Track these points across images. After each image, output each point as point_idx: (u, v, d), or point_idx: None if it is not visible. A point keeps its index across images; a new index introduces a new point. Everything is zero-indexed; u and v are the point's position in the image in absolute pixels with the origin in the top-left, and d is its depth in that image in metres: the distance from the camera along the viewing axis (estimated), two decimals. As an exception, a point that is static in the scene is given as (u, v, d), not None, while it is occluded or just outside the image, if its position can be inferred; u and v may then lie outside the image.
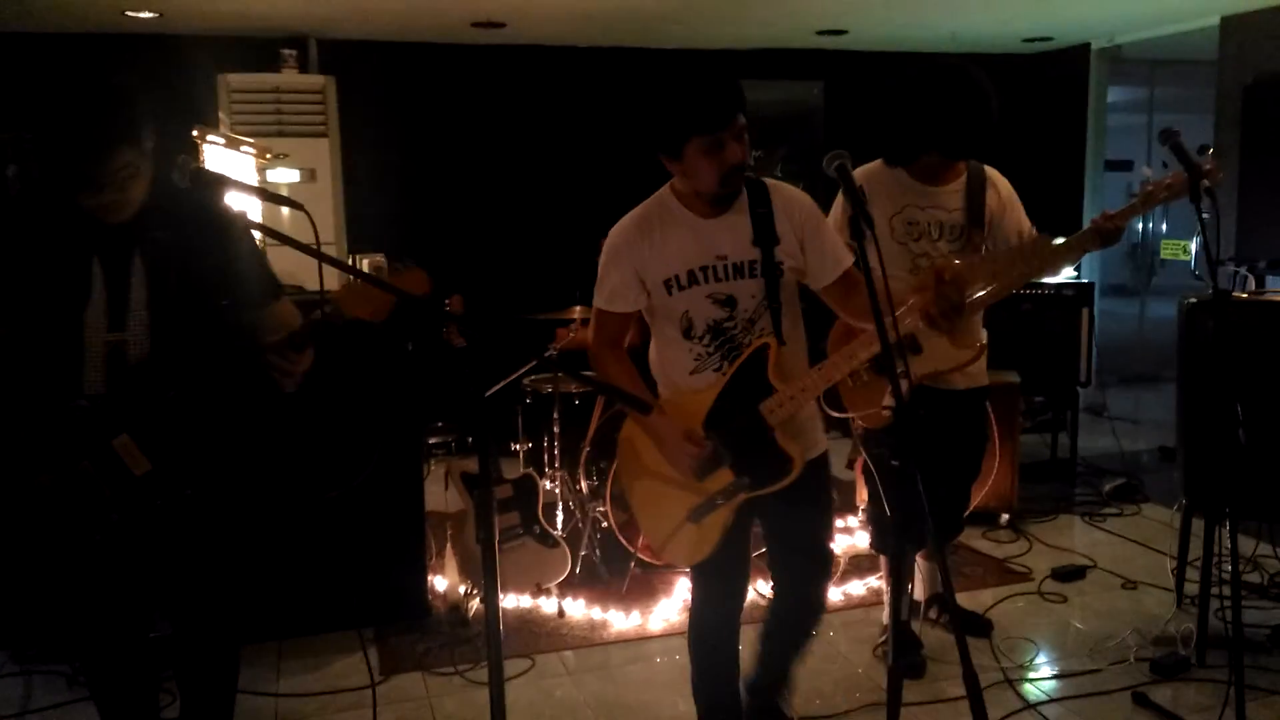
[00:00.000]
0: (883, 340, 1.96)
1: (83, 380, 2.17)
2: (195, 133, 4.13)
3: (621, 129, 6.52)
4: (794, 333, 2.49)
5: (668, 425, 2.43)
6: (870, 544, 3.87)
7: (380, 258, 4.28)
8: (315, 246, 1.97)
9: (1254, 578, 4.02)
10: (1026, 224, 3.20)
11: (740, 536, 2.53)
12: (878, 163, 3.17)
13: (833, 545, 2.68)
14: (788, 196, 2.44)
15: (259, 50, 5.66)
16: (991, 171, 3.21)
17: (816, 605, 2.66)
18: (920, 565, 3.68)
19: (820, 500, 2.59)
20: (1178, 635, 3.55)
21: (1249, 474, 3.29)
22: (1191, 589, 3.65)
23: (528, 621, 3.84)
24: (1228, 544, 2.91)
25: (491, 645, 1.99)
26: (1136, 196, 2.78)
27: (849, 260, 2.45)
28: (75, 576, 2.31)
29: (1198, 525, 3.55)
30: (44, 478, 2.13)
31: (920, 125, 3.04)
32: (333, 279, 2.60)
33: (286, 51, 5.54)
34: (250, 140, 4.46)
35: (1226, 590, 2.98)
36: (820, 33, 6.44)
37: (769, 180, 2.45)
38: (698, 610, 2.67)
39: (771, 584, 2.71)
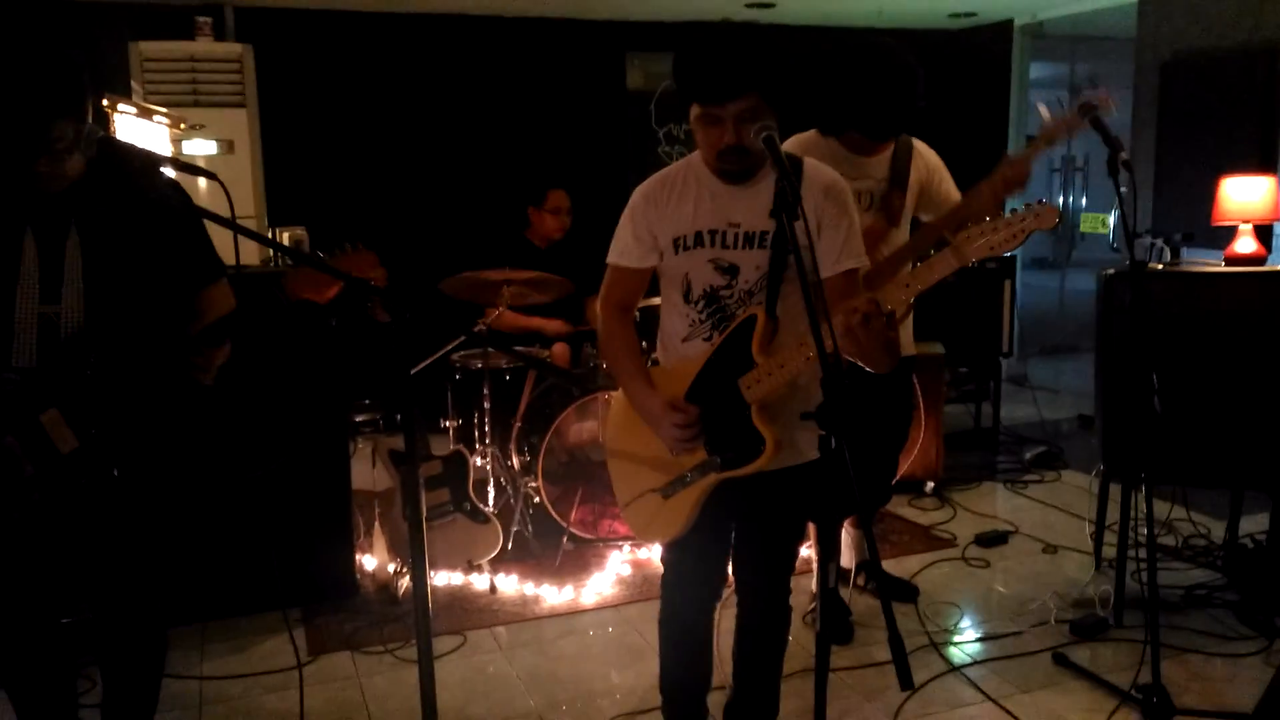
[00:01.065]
0: (809, 308, 1.93)
1: (11, 352, 2.11)
2: (105, 102, 3.98)
3: (549, 100, 6.48)
4: (796, 315, 2.33)
5: (651, 397, 2.38)
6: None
7: (301, 230, 4.17)
8: (230, 218, 1.93)
9: (1169, 540, 4.16)
10: (956, 194, 3.26)
11: (718, 522, 2.45)
12: (813, 132, 3.19)
13: (802, 532, 2.60)
14: (819, 178, 2.34)
15: (173, 18, 5.47)
16: (918, 143, 3.27)
17: (781, 585, 2.57)
18: (849, 533, 3.74)
19: (801, 493, 2.46)
20: (1096, 597, 3.66)
21: (1164, 440, 3.39)
22: (1109, 552, 3.76)
23: (459, 598, 3.81)
24: (1144, 508, 2.99)
25: (420, 622, 1.97)
26: (1037, 137, 2.93)
27: (854, 264, 2.36)
28: None
29: (1115, 490, 3.65)
30: None
31: (847, 104, 3.07)
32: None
33: (201, 19, 5.35)
34: (164, 110, 4.30)
35: (1142, 553, 3.07)
36: (749, 5, 6.43)
37: (809, 160, 2.37)
38: (668, 590, 2.61)
39: (733, 565, 2.59)
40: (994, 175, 2.95)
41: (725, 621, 2.65)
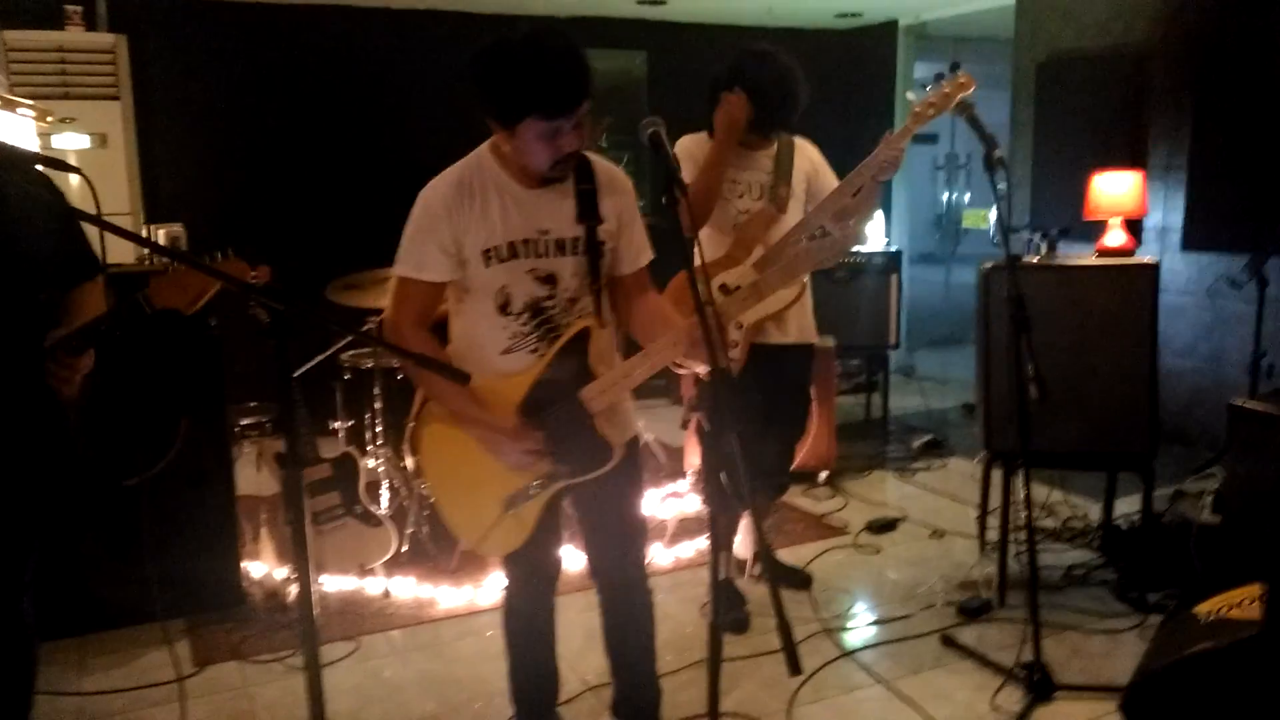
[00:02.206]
0: (697, 305, 1.97)
1: None
2: (-36, 93, 3.78)
3: (441, 94, 6.38)
4: (623, 314, 2.44)
5: (488, 420, 2.30)
6: (703, 503, 3.97)
7: (179, 228, 4.02)
8: (96, 214, 1.84)
9: (1048, 523, 4.31)
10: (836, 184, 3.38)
11: (551, 517, 2.47)
12: (704, 134, 3.32)
13: (643, 516, 2.64)
14: (611, 175, 2.37)
15: (41, 6, 5.22)
16: (800, 139, 3.43)
17: (635, 573, 2.60)
18: (747, 524, 3.79)
19: (632, 476, 2.53)
20: (981, 579, 3.78)
21: (1041, 427, 3.51)
22: (993, 536, 3.88)
23: (352, 603, 3.73)
24: (1024, 493, 3.11)
25: (305, 627, 1.92)
26: (908, 118, 3.08)
27: (649, 257, 2.44)
28: None
29: (997, 476, 3.77)
30: None
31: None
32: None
33: (71, 8, 5.13)
34: (29, 102, 4.10)
35: (1024, 535, 3.18)
36: (640, 2, 6.45)
37: (591, 155, 2.35)
38: (513, 596, 2.61)
39: (588, 563, 2.63)
40: (872, 157, 3.10)
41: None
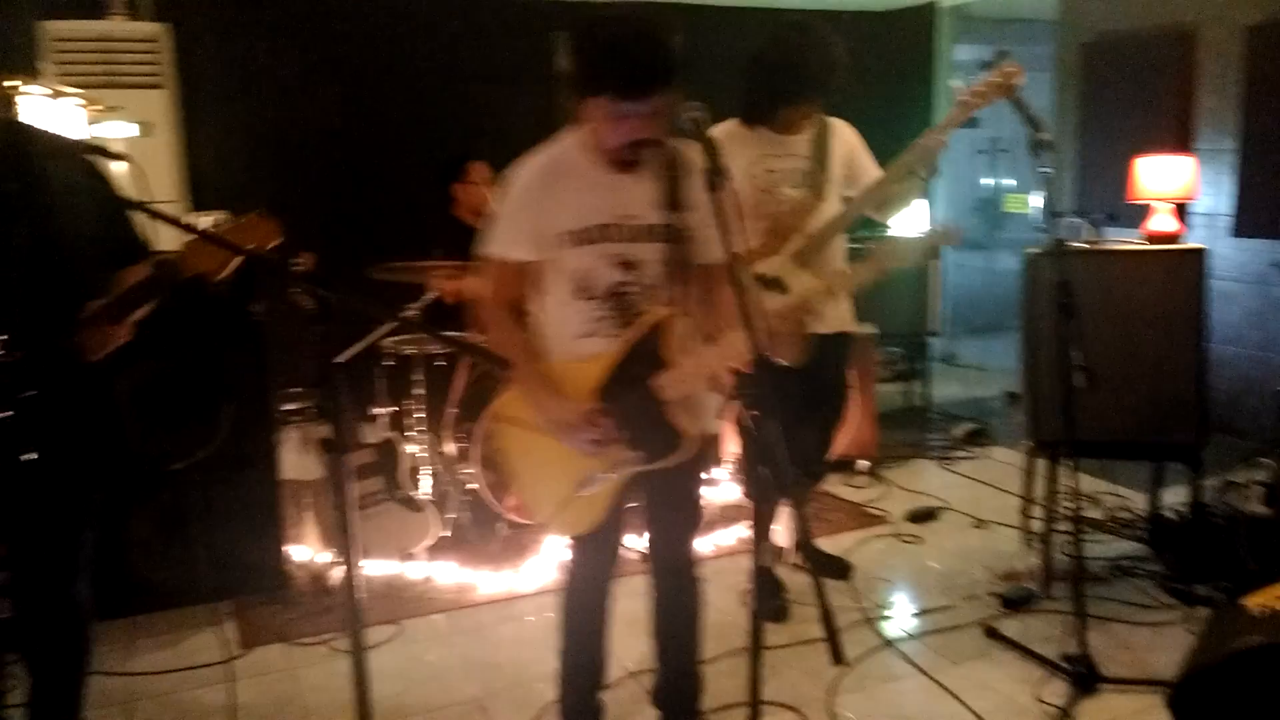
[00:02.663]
0: (738, 295, 1.96)
1: None
2: (11, 83, 3.83)
3: (482, 78, 6.38)
4: (702, 308, 2.39)
5: (564, 406, 2.31)
6: (744, 492, 3.96)
7: (224, 215, 4.06)
8: (146, 199, 1.87)
9: (1094, 514, 4.25)
10: (875, 170, 3.34)
11: (621, 502, 2.48)
12: (734, 121, 3.27)
13: (702, 506, 2.65)
14: (695, 162, 2.30)
15: (85, -5, 5.28)
16: (836, 121, 3.35)
17: (690, 562, 2.62)
18: (787, 512, 3.77)
19: (699, 466, 2.54)
20: (1025, 570, 3.74)
21: (1087, 416, 3.46)
22: (1037, 526, 3.84)
23: (395, 587, 3.76)
24: (1069, 482, 3.06)
25: (350, 609, 1.94)
26: (953, 108, 3.04)
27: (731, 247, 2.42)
28: None
29: (1041, 465, 3.72)
30: None
31: (773, 80, 3.16)
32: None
33: (114, -3, 5.18)
34: (76, 91, 4.15)
35: (1068, 526, 3.14)
36: (678, -14, 6.40)
37: (675, 142, 2.32)
38: (575, 577, 2.62)
39: (646, 548, 2.64)
40: (913, 148, 3.06)
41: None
